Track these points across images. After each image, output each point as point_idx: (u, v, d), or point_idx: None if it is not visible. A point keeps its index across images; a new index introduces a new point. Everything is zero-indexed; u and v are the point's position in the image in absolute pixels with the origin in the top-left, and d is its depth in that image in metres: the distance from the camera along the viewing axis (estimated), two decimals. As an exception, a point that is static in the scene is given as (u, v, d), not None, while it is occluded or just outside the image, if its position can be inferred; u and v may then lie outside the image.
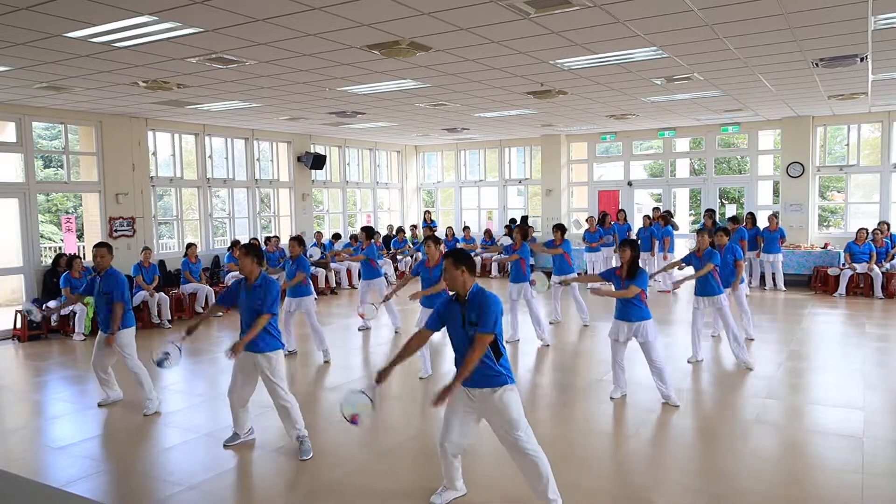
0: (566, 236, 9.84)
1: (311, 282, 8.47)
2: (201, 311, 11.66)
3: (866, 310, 10.79)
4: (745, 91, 10.35)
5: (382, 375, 4.07)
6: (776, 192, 15.40)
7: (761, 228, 13.03)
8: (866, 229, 12.28)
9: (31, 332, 9.82)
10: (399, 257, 15.88)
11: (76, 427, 6.07)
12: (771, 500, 4.28)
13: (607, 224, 14.06)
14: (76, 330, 9.89)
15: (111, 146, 11.45)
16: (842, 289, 12.10)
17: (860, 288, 12.13)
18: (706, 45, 7.14)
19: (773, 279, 12.93)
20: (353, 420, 4.02)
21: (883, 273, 11.87)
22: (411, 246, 16.33)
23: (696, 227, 8.91)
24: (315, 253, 12.40)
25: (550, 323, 9.95)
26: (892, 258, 12.12)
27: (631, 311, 6.07)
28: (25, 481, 2.66)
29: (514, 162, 18.08)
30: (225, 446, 5.33)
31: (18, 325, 9.84)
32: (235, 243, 12.75)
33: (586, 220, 13.95)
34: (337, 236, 14.85)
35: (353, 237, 13.83)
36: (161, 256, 12.46)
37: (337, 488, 4.57)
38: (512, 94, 10.05)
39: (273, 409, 5.28)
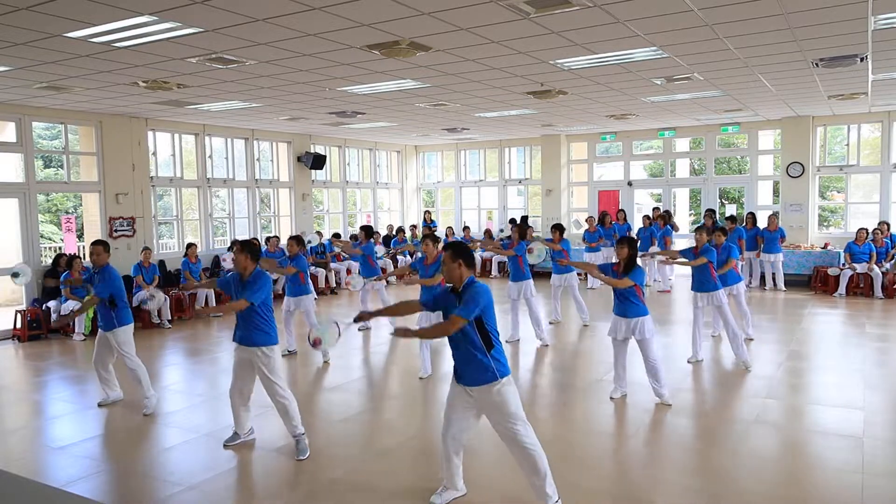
0: (565, 236, 9.84)
1: (310, 281, 8.46)
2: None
3: (866, 310, 10.79)
4: (745, 91, 10.35)
5: (362, 316, 4.33)
6: (776, 192, 15.40)
7: (761, 228, 13.04)
8: (866, 229, 12.28)
9: (31, 332, 9.83)
10: (399, 257, 15.87)
11: (76, 427, 6.07)
12: (771, 500, 4.28)
13: (608, 224, 14.06)
14: (76, 330, 9.90)
15: (111, 146, 11.45)
16: (842, 289, 12.10)
17: (860, 288, 12.13)
18: (706, 45, 7.14)
19: (773, 279, 12.93)
20: (314, 343, 4.23)
21: (883, 273, 11.87)
22: (412, 245, 16.32)
23: (696, 226, 8.92)
24: (315, 238, 12.36)
25: (550, 323, 9.96)
26: (893, 258, 12.11)
27: (628, 307, 6.10)
28: (25, 481, 2.66)
29: (514, 162, 18.08)
30: (225, 446, 5.33)
31: (18, 325, 9.85)
32: (235, 243, 12.74)
33: (586, 220, 13.95)
34: (336, 236, 14.84)
35: (353, 237, 13.83)
36: (161, 256, 12.46)
37: (337, 488, 4.57)
38: (512, 94, 10.05)
39: (273, 409, 5.28)
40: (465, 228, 17.12)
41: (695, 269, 7.55)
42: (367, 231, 10.25)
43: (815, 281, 12.77)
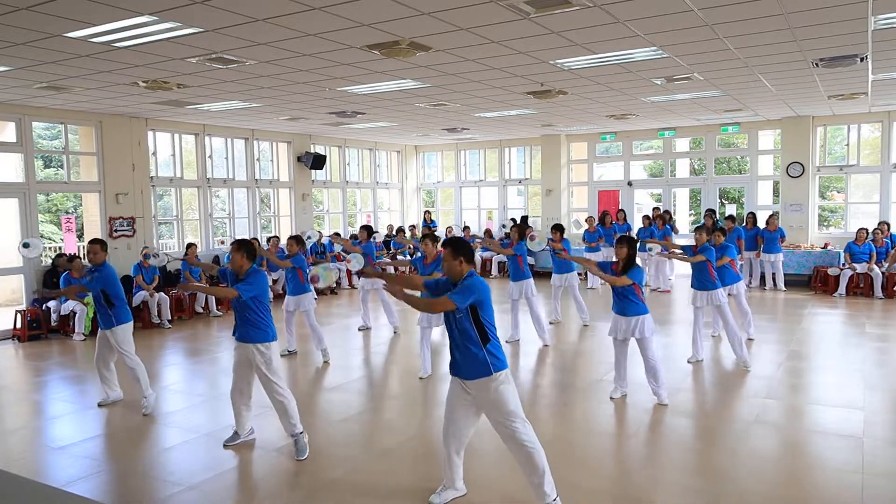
0: (565, 236, 9.83)
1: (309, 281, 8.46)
2: (201, 311, 11.68)
3: (866, 310, 10.79)
4: (745, 91, 10.35)
5: (366, 272, 4.31)
6: (776, 192, 15.40)
7: (761, 228, 13.04)
8: (866, 229, 12.28)
9: (31, 332, 9.83)
10: (399, 257, 15.87)
11: (76, 427, 6.07)
12: (771, 500, 4.28)
13: (608, 224, 14.06)
14: (76, 330, 9.89)
15: (111, 146, 11.45)
16: (842, 289, 12.10)
17: (860, 288, 12.13)
18: (706, 45, 7.14)
19: (774, 279, 12.93)
20: (312, 279, 4.45)
21: (883, 273, 11.87)
22: (412, 242, 16.31)
23: (697, 226, 8.93)
24: (314, 235, 12.37)
25: (550, 323, 9.95)
26: (893, 260, 12.09)
27: (628, 306, 6.10)
28: (25, 481, 2.66)
29: (514, 162, 18.08)
30: (225, 446, 5.33)
31: (18, 325, 9.85)
32: (235, 241, 12.73)
33: (586, 220, 13.95)
34: (336, 235, 14.84)
35: (353, 237, 13.83)
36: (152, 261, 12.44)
37: (337, 488, 4.57)
38: (512, 94, 10.05)
39: (273, 409, 5.28)
40: (466, 228, 17.12)
41: (694, 267, 7.57)
42: (368, 231, 10.24)
43: (815, 281, 12.77)
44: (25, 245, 7.83)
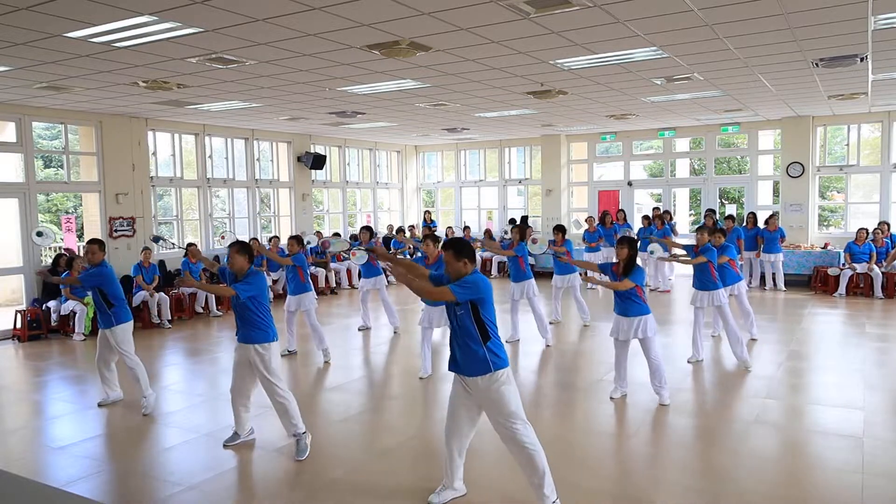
0: (566, 237, 9.83)
1: (310, 281, 8.46)
2: (201, 311, 11.68)
3: (866, 310, 10.79)
4: (745, 91, 10.35)
5: (375, 251, 4.32)
6: (776, 192, 15.40)
7: (761, 228, 13.04)
8: (866, 229, 12.27)
9: (31, 332, 9.83)
10: (399, 257, 15.85)
11: (76, 427, 6.07)
12: (771, 500, 4.28)
13: (608, 224, 14.05)
14: (76, 330, 9.89)
15: (111, 146, 11.45)
16: (842, 289, 12.10)
17: (860, 288, 12.12)
18: (706, 45, 7.14)
19: (774, 279, 12.93)
20: (323, 244, 4.64)
21: (883, 273, 11.87)
22: (412, 242, 16.31)
23: (698, 227, 8.93)
24: (314, 240, 12.40)
25: (550, 323, 9.92)
26: (893, 259, 12.09)
27: (629, 307, 6.09)
28: (25, 481, 2.66)
29: (514, 162, 18.08)
30: (225, 446, 5.33)
31: (18, 325, 9.85)
32: (235, 243, 12.73)
33: (585, 220, 13.95)
34: (336, 236, 14.84)
35: (353, 237, 13.83)
36: (161, 256, 12.44)
37: (337, 488, 4.57)
38: (512, 94, 10.05)
39: (273, 409, 5.28)
40: (466, 228, 17.12)
41: (696, 267, 7.57)
42: (370, 232, 10.21)
43: (815, 281, 12.77)
44: (39, 234, 7.98)
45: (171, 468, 5.05)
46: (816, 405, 6.28)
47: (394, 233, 16.63)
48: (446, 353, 8.24)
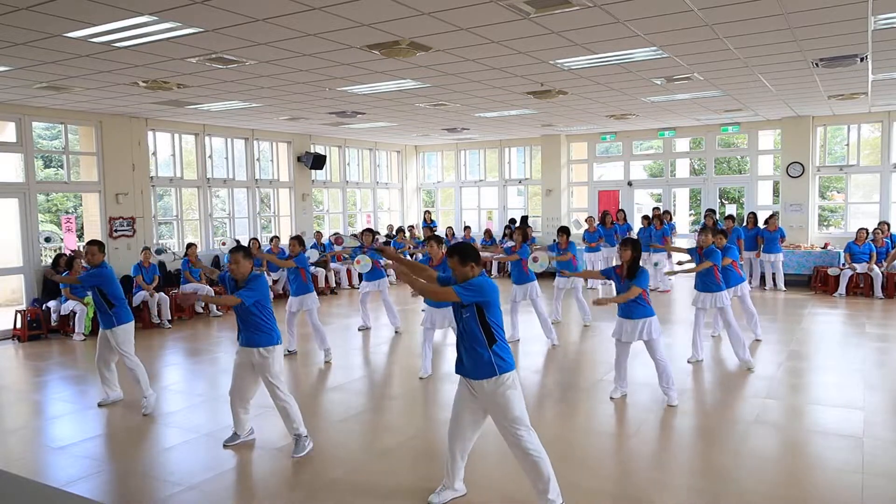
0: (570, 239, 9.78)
1: (311, 281, 8.45)
2: (201, 311, 11.68)
3: (866, 310, 10.79)
4: (745, 91, 10.35)
5: (384, 251, 4.45)
6: (776, 192, 15.40)
7: (761, 228, 13.03)
8: (866, 229, 12.27)
9: (31, 332, 9.83)
10: (408, 258, 15.85)
11: (76, 427, 6.06)
12: (771, 500, 4.28)
13: (608, 224, 14.04)
14: (76, 330, 9.89)
15: (111, 146, 11.45)
16: (842, 289, 12.10)
17: (860, 288, 12.13)
18: (706, 45, 7.14)
19: (774, 279, 12.93)
20: (336, 240, 4.80)
21: (883, 273, 11.87)
22: (411, 242, 16.32)
23: (697, 227, 8.90)
24: (313, 255, 12.39)
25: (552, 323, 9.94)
26: (893, 259, 12.09)
27: (634, 309, 6.06)
28: (25, 481, 2.66)
29: (514, 162, 18.08)
30: (225, 446, 5.33)
31: (18, 325, 9.85)
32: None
33: (586, 220, 13.93)
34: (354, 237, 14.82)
35: (353, 237, 13.82)
36: (161, 256, 12.44)
37: (337, 488, 4.57)
38: (512, 94, 10.05)
39: (273, 409, 5.28)
40: (466, 228, 17.12)
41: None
42: (373, 234, 10.13)
43: (815, 281, 12.77)
44: (48, 239, 8.20)
45: (171, 468, 5.05)
46: (816, 405, 6.28)
47: (394, 233, 16.65)
48: (447, 354, 8.27)
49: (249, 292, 5.02)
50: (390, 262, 4.25)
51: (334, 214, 17.19)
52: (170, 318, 10.83)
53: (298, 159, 15.20)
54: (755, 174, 15.42)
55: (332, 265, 14.26)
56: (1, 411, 6.71)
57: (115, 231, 11.54)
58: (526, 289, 8.65)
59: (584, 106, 11.58)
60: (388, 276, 10.03)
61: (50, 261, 11.27)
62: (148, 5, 5.37)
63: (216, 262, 13.25)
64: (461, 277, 3.98)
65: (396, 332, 9.68)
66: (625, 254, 6.04)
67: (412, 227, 18.00)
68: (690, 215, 20.78)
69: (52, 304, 10.10)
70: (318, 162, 15.23)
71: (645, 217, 14.17)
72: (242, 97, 9.85)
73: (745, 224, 13.31)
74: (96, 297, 6.29)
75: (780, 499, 4.30)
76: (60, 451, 5.44)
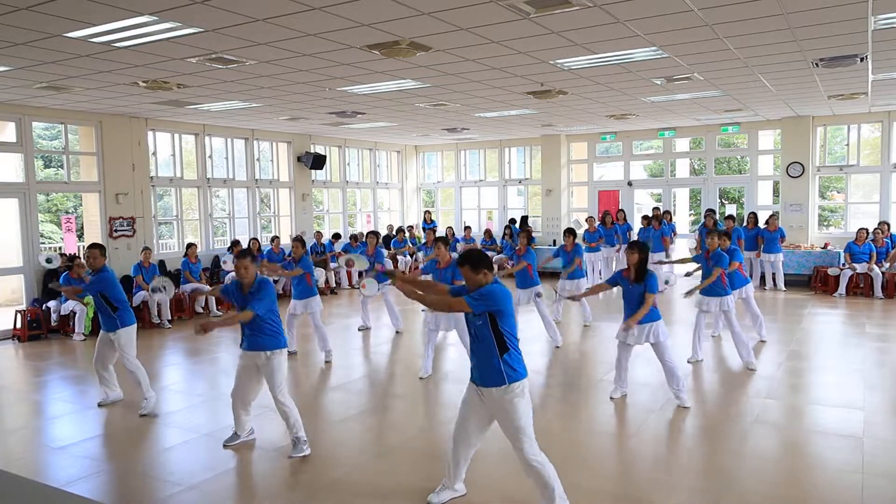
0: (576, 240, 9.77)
1: (315, 284, 8.44)
2: (201, 311, 11.68)
3: (866, 310, 10.79)
4: (745, 91, 10.35)
5: (391, 273, 4.36)
6: (776, 192, 15.40)
7: (761, 228, 13.03)
8: (866, 229, 12.27)
9: (31, 332, 9.83)
10: (399, 258, 15.86)
11: (76, 427, 6.07)
12: (771, 500, 4.28)
13: (609, 224, 14.04)
14: (76, 330, 9.89)
15: (111, 146, 11.45)
16: (842, 289, 12.10)
17: (860, 288, 12.12)
18: (706, 45, 7.14)
19: (774, 279, 12.92)
20: (348, 262, 5.89)
21: (883, 273, 11.87)
22: (411, 246, 16.32)
23: (708, 231, 8.84)
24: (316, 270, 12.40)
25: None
26: (893, 259, 12.08)
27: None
28: (25, 481, 2.66)
29: (514, 162, 18.07)
30: (225, 446, 5.33)
31: (18, 325, 9.85)
32: (235, 243, 12.77)
33: (586, 220, 13.93)
34: (337, 236, 14.84)
35: (353, 237, 13.83)
36: (161, 256, 12.46)
37: (337, 488, 4.57)
38: (512, 94, 10.05)
39: (274, 409, 5.28)
40: (467, 228, 17.11)
41: (706, 273, 7.47)
42: (377, 237, 10.02)
43: (815, 281, 12.77)
44: (48, 260, 8.75)
45: (171, 468, 5.05)
46: (816, 405, 6.28)
47: (394, 233, 16.64)
48: (447, 354, 8.27)
49: (259, 302, 5.00)
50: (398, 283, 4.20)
51: (334, 214, 17.19)
52: (170, 318, 10.83)
53: (298, 159, 15.20)
54: (755, 174, 15.42)
55: (332, 265, 14.25)
56: (1, 411, 6.71)
57: (115, 231, 11.54)
58: (530, 293, 8.63)
59: (584, 106, 11.58)
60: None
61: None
62: (148, 5, 5.37)
63: (216, 261, 13.25)
64: (474, 285, 3.92)
65: (397, 332, 9.67)
66: (632, 257, 5.99)
67: (412, 227, 18.00)
68: (690, 215, 20.79)
69: (52, 304, 10.10)
70: (318, 162, 15.23)
71: (645, 217, 14.17)
72: (242, 97, 9.85)
73: (745, 224, 13.31)
74: (99, 301, 6.27)
75: (780, 499, 4.30)
76: (60, 451, 5.44)
